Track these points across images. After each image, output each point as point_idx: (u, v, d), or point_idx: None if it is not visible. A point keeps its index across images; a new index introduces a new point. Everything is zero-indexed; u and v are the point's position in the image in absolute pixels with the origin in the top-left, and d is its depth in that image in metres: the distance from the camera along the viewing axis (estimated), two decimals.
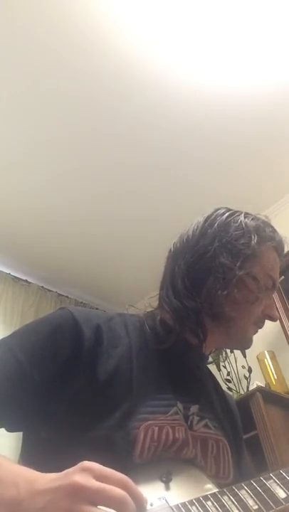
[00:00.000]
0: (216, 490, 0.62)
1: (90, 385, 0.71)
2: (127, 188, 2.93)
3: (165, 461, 0.67)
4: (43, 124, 2.54)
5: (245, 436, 0.97)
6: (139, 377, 0.75)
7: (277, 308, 1.17)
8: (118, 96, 2.44)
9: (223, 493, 0.58)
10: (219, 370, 2.43)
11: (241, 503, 0.56)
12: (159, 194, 2.98)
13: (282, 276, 2.52)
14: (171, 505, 0.56)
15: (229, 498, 0.57)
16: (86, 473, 0.49)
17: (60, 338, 0.74)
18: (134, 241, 3.28)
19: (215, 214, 0.91)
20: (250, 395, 2.12)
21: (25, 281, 3.45)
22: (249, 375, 2.49)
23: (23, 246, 3.24)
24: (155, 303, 0.93)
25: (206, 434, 0.77)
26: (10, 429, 0.72)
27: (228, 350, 1.17)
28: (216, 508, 0.55)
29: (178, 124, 2.60)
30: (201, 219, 0.91)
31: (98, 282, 3.63)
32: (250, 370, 2.50)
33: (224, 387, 2.38)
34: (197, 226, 0.90)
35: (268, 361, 2.46)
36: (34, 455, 0.73)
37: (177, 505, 0.56)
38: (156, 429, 0.69)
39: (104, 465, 0.51)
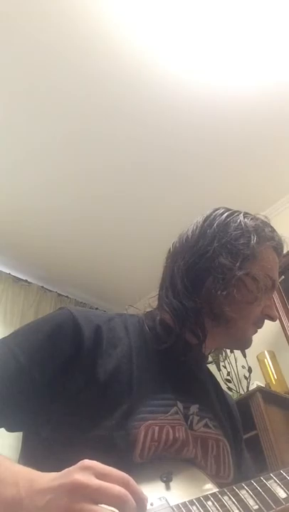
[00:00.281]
0: (216, 490, 0.62)
1: (90, 385, 0.71)
2: (127, 189, 2.93)
3: (165, 461, 0.68)
4: (43, 124, 2.53)
5: (245, 436, 0.97)
6: (139, 377, 0.75)
7: (276, 308, 1.17)
8: (119, 96, 2.44)
9: (223, 493, 0.58)
10: (219, 370, 2.43)
11: (242, 503, 0.56)
12: (159, 194, 2.98)
13: (282, 276, 2.53)
14: (171, 505, 0.56)
15: (229, 497, 0.57)
16: (86, 472, 0.49)
17: (60, 338, 0.74)
18: (134, 241, 3.28)
19: (214, 214, 0.91)
20: (250, 395, 2.12)
21: (25, 281, 3.45)
22: (249, 375, 2.49)
23: (23, 246, 3.24)
24: (155, 303, 0.93)
25: (206, 434, 0.77)
26: (10, 429, 0.72)
27: (228, 350, 1.17)
28: (217, 508, 0.55)
29: (178, 124, 2.60)
30: (200, 219, 0.91)
31: (98, 282, 3.63)
32: (250, 370, 2.50)
33: (224, 387, 2.38)
34: (196, 226, 0.90)
35: (268, 361, 2.46)
36: (34, 455, 0.73)
37: (177, 505, 0.56)
38: (157, 428, 0.69)
39: (104, 464, 0.51)
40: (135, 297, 2.83)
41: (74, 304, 3.64)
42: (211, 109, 2.52)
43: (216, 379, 0.97)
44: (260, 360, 2.48)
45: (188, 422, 0.76)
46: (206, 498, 0.57)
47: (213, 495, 0.58)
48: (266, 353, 2.48)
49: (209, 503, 0.56)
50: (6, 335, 0.78)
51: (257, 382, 2.31)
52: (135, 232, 3.23)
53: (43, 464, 0.56)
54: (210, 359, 0.95)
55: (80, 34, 2.17)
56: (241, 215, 0.90)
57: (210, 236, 0.87)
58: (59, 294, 3.63)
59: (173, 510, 0.56)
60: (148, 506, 0.53)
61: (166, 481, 0.63)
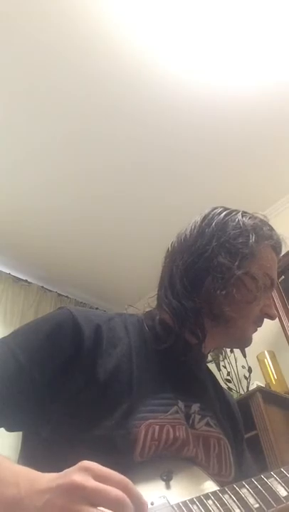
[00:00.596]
0: (216, 488, 0.62)
1: (90, 385, 0.71)
2: (127, 189, 2.93)
3: (166, 460, 0.68)
4: (43, 124, 2.53)
5: (245, 436, 0.97)
6: (139, 376, 0.75)
7: (276, 307, 1.17)
8: (119, 96, 2.44)
9: (224, 492, 0.58)
10: (219, 370, 2.43)
11: (242, 501, 0.56)
12: (159, 194, 2.98)
13: (282, 276, 2.53)
14: (171, 503, 0.56)
15: (230, 496, 0.56)
16: (85, 473, 0.49)
17: (60, 337, 0.74)
18: (134, 241, 3.28)
19: (212, 213, 0.91)
20: (250, 395, 2.12)
21: (25, 281, 3.45)
22: (249, 375, 2.49)
23: (23, 246, 3.24)
24: (154, 303, 0.93)
25: (207, 433, 0.77)
26: (10, 429, 0.72)
27: (227, 350, 1.17)
28: (217, 507, 0.55)
29: (178, 124, 2.60)
30: (199, 218, 0.91)
31: (98, 282, 3.63)
32: (250, 370, 2.50)
33: (224, 387, 2.38)
34: (195, 226, 0.90)
35: (268, 361, 2.46)
36: (34, 455, 0.73)
37: (178, 503, 0.56)
38: (157, 427, 0.69)
39: (104, 464, 0.51)
40: (135, 297, 2.84)
41: (74, 303, 3.63)
42: (211, 109, 2.52)
43: (215, 378, 0.97)
44: (260, 360, 2.48)
45: (190, 421, 0.76)
46: (207, 496, 0.57)
47: (214, 493, 0.58)
48: (266, 353, 2.48)
49: (210, 501, 0.56)
50: (6, 335, 0.78)
51: (257, 382, 2.31)
52: (135, 232, 3.23)
53: (43, 464, 0.56)
54: (209, 358, 0.95)
55: (80, 34, 2.17)
56: (240, 214, 0.90)
57: (208, 235, 0.87)
58: (59, 294, 3.63)
59: (173, 509, 0.56)
60: (148, 505, 0.53)
61: (167, 480, 0.63)
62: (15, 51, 2.21)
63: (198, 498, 0.56)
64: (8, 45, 2.18)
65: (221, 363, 2.38)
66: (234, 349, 1.88)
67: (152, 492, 0.57)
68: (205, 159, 2.79)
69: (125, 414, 0.69)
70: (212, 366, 0.99)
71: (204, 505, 0.55)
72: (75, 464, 0.51)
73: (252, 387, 2.26)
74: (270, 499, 0.56)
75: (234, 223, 0.88)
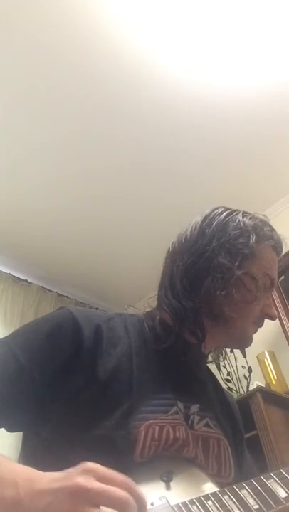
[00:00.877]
0: (216, 489, 0.62)
1: (90, 385, 0.71)
2: (127, 189, 2.93)
3: (166, 461, 0.67)
4: (43, 124, 2.53)
5: (245, 436, 0.97)
6: (139, 376, 0.75)
7: (276, 307, 1.17)
8: (119, 96, 2.44)
9: (223, 493, 0.58)
10: (219, 370, 2.43)
11: (242, 502, 0.56)
12: (159, 194, 2.98)
13: (283, 276, 2.53)
14: (171, 504, 0.56)
15: (230, 497, 0.57)
16: (88, 475, 0.49)
17: (60, 337, 0.73)
18: (134, 241, 3.28)
19: (213, 213, 0.91)
20: (250, 395, 2.12)
21: (25, 281, 3.45)
22: (249, 375, 2.49)
23: (23, 246, 3.24)
24: (154, 303, 0.93)
25: (207, 433, 0.77)
26: (10, 430, 0.72)
27: (228, 350, 1.17)
28: (217, 508, 0.55)
29: (178, 124, 2.60)
30: (199, 219, 0.91)
31: (98, 282, 3.63)
32: (250, 370, 2.50)
33: (224, 387, 2.38)
34: (195, 226, 0.90)
35: (268, 361, 2.46)
36: (34, 455, 0.73)
37: (178, 504, 0.56)
38: (157, 428, 0.69)
39: (104, 465, 0.51)
40: (135, 297, 2.84)
41: (74, 303, 3.63)
42: (211, 109, 2.52)
43: (216, 378, 0.97)
44: (260, 360, 2.48)
45: (189, 422, 0.76)
46: (207, 497, 0.57)
47: (214, 494, 0.58)
48: (266, 353, 2.48)
49: (209, 502, 0.56)
50: (6, 335, 0.78)
51: (257, 382, 2.31)
52: (135, 232, 3.22)
53: (43, 463, 0.56)
54: (209, 358, 0.95)
55: (80, 34, 2.17)
56: (240, 214, 0.90)
57: (209, 235, 0.87)
58: (59, 294, 3.63)
59: (173, 509, 0.56)
60: (148, 506, 0.53)
61: (167, 481, 0.63)
62: (15, 51, 2.21)
63: (198, 499, 0.57)
64: (8, 45, 2.18)
65: (221, 363, 2.38)
66: (234, 349, 1.88)
67: (152, 493, 0.57)
68: (205, 159, 2.79)
69: (125, 414, 0.69)
70: (212, 366, 0.99)
71: (204, 506, 0.55)
72: (75, 464, 0.51)
73: (252, 387, 2.26)
74: (269, 500, 0.56)
75: (235, 223, 0.88)
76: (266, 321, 0.91)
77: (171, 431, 0.70)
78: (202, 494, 0.58)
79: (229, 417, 0.90)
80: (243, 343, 0.90)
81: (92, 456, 0.52)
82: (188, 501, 0.56)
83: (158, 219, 3.06)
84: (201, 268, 0.85)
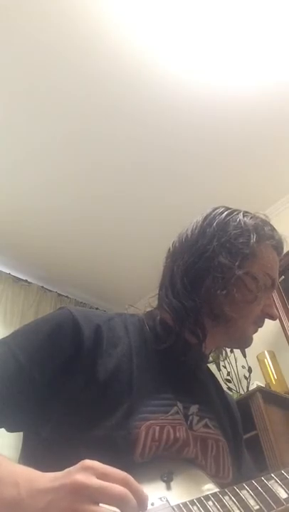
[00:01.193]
0: (217, 490, 0.62)
1: (90, 385, 0.71)
2: (127, 189, 2.93)
3: (166, 461, 0.67)
4: (43, 124, 2.53)
5: (245, 436, 0.97)
6: (140, 376, 0.75)
7: (276, 307, 1.17)
8: (119, 96, 2.44)
9: (224, 493, 0.58)
10: (219, 370, 2.43)
11: (242, 503, 0.56)
12: (159, 194, 2.98)
13: (283, 276, 2.53)
14: (172, 505, 0.56)
15: (230, 498, 0.57)
16: (87, 472, 0.49)
17: (60, 337, 0.73)
18: (134, 241, 3.28)
19: (214, 213, 0.90)
20: (250, 395, 2.12)
21: (25, 281, 3.45)
22: (249, 375, 2.49)
23: (23, 246, 3.24)
24: (155, 302, 0.93)
25: (205, 434, 0.77)
26: (10, 430, 0.72)
27: (228, 350, 1.17)
28: (217, 508, 0.55)
29: (178, 124, 2.60)
30: (200, 218, 0.91)
31: (98, 282, 3.63)
32: (250, 370, 2.50)
33: (224, 387, 2.37)
34: (196, 225, 0.90)
35: (268, 361, 2.46)
36: (34, 455, 0.73)
37: (178, 505, 0.56)
38: (157, 428, 0.69)
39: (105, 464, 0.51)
40: (135, 297, 2.85)
41: (74, 304, 3.63)
42: (211, 109, 2.52)
43: (216, 379, 0.97)
44: (260, 360, 2.48)
45: (188, 422, 0.76)
46: (207, 498, 0.57)
47: (214, 495, 0.58)
48: (266, 353, 2.48)
49: (210, 503, 0.56)
50: (6, 335, 0.78)
51: (257, 382, 2.31)
52: (135, 232, 3.22)
53: (43, 463, 0.56)
54: (210, 359, 0.95)
55: (80, 34, 2.17)
56: (241, 214, 0.90)
57: (209, 235, 0.86)
58: (59, 294, 3.63)
59: (174, 510, 0.56)
60: (149, 506, 0.53)
61: (167, 481, 0.63)
62: (15, 51, 2.21)
63: (199, 500, 0.56)
64: (8, 45, 2.18)
65: (221, 363, 2.38)
66: (234, 349, 1.88)
67: (153, 493, 0.57)
68: (205, 159, 2.79)
69: (126, 414, 0.69)
70: (212, 366, 0.99)
71: (204, 507, 0.55)
72: (75, 464, 0.51)
73: (252, 387, 2.26)
74: (270, 501, 0.56)
75: (235, 223, 0.87)
76: (266, 321, 0.91)
77: (171, 431, 0.70)
78: (203, 494, 0.58)
79: (229, 417, 0.90)
80: (243, 343, 0.90)
81: (92, 456, 0.52)
82: (189, 502, 0.56)
83: (158, 219, 3.06)
84: (201, 268, 0.85)
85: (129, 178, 2.88)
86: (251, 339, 0.90)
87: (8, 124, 2.52)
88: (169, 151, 2.73)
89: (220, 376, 2.42)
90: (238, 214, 0.90)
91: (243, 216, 0.90)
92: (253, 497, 0.56)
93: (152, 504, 0.56)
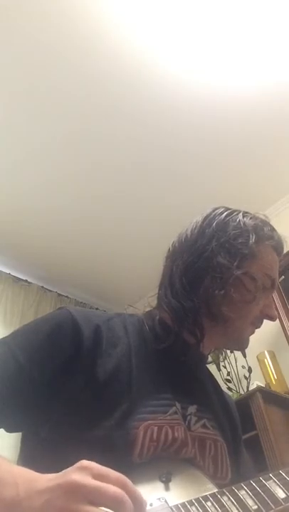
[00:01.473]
0: (215, 490, 0.62)
1: (90, 385, 0.71)
2: (127, 189, 2.93)
3: (164, 461, 0.67)
4: (43, 124, 2.53)
5: (245, 436, 0.97)
6: (139, 377, 0.75)
7: (276, 307, 1.16)
8: (119, 96, 2.44)
9: (222, 494, 0.58)
10: (219, 370, 2.43)
11: (241, 503, 0.56)
12: (159, 194, 2.98)
13: (283, 276, 2.53)
14: (170, 505, 0.56)
15: (229, 498, 0.57)
16: (84, 472, 0.49)
17: (60, 337, 0.74)
18: (134, 241, 3.28)
19: (213, 213, 0.90)
20: (250, 395, 2.12)
21: (25, 281, 3.45)
22: (249, 375, 2.49)
23: (23, 246, 3.24)
24: (154, 302, 0.93)
25: (203, 434, 0.77)
26: (9, 430, 0.72)
27: (228, 350, 1.17)
28: (216, 509, 0.55)
29: (178, 124, 2.60)
30: (200, 218, 0.91)
31: (98, 282, 3.63)
32: (250, 370, 2.50)
33: (224, 387, 2.38)
34: (195, 226, 0.90)
35: (268, 361, 2.46)
36: (33, 455, 0.73)
37: (177, 505, 0.56)
38: (156, 428, 0.69)
39: (103, 465, 0.51)
40: (135, 297, 2.85)
41: (74, 304, 3.63)
42: (211, 109, 2.52)
43: (215, 379, 0.97)
44: (260, 360, 2.48)
45: (186, 423, 0.76)
46: (205, 498, 0.57)
47: (213, 495, 0.58)
48: (266, 353, 2.48)
49: (208, 503, 0.56)
50: (6, 335, 0.78)
51: (257, 382, 2.31)
52: (135, 232, 3.22)
53: (42, 464, 0.56)
54: (209, 359, 0.94)
55: (80, 34, 2.17)
56: (240, 214, 0.90)
57: (209, 235, 0.87)
58: (59, 294, 3.63)
59: (172, 510, 0.56)
60: (147, 507, 0.53)
61: (166, 482, 0.63)
62: (15, 51, 2.21)
63: (197, 500, 0.57)
64: (8, 45, 2.18)
65: (221, 363, 2.38)
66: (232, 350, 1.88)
67: (151, 493, 0.57)
68: (205, 159, 2.79)
69: (125, 414, 0.69)
70: (212, 366, 0.99)
71: (203, 507, 0.55)
72: (73, 464, 0.51)
73: (252, 387, 2.26)
74: (268, 501, 0.56)
75: (235, 223, 0.87)
76: (266, 321, 0.91)
77: (169, 431, 0.70)
78: (201, 495, 0.58)
79: (228, 418, 0.90)
80: (241, 344, 0.90)
81: (91, 457, 0.52)
82: (187, 502, 0.56)
83: (158, 219, 3.06)
84: (200, 268, 0.85)
85: (129, 178, 2.88)
86: (248, 341, 0.90)
87: (8, 124, 2.52)
88: (169, 151, 2.73)
89: (220, 376, 2.42)
90: (237, 214, 0.90)
91: (243, 216, 0.89)
92: (251, 497, 0.56)
93: (151, 505, 0.56)
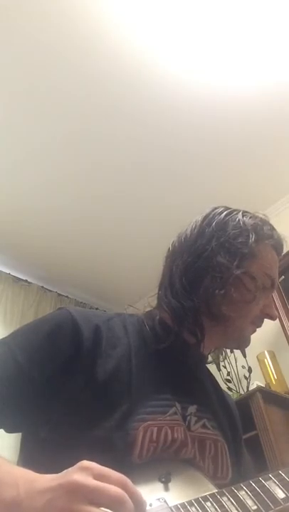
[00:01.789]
0: (215, 490, 0.62)
1: (89, 385, 0.71)
2: (127, 189, 2.93)
3: (164, 462, 0.67)
4: (43, 124, 2.53)
5: (245, 436, 0.97)
6: (138, 377, 0.75)
7: (276, 307, 1.16)
8: (119, 96, 2.44)
9: (222, 494, 0.58)
10: (219, 370, 2.42)
11: (240, 503, 0.56)
12: (159, 194, 2.98)
13: (283, 276, 2.53)
14: (170, 505, 0.56)
15: (228, 498, 0.57)
16: (85, 472, 0.49)
17: (59, 338, 0.74)
18: (134, 241, 3.28)
19: (213, 213, 0.90)
20: (250, 395, 2.12)
21: (25, 281, 3.45)
22: (249, 375, 2.49)
23: (23, 246, 3.24)
24: (154, 302, 0.93)
25: (203, 435, 0.77)
26: (9, 430, 0.72)
27: (228, 350, 1.17)
28: (215, 509, 0.55)
29: (178, 124, 2.60)
30: (199, 218, 0.91)
31: (98, 282, 3.63)
32: (250, 370, 2.50)
33: (224, 387, 2.38)
34: (195, 225, 0.90)
35: (268, 361, 2.46)
36: (33, 456, 0.73)
37: (176, 505, 0.56)
38: (155, 429, 0.69)
39: (103, 465, 0.51)
40: (135, 297, 2.85)
41: (74, 304, 3.63)
42: (211, 109, 2.52)
43: (215, 379, 0.97)
44: (260, 360, 2.48)
45: (186, 423, 0.76)
46: (205, 498, 0.57)
47: (212, 496, 0.58)
48: (266, 353, 2.48)
49: (208, 503, 0.56)
50: (6, 335, 0.78)
51: (257, 382, 2.31)
52: (135, 232, 3.22)
53: (42, 464, 0.56)
54: (209, 359, 0.94)
55: (80, 34, 2.17)
56: (240, 213, 0.90)
57: (208, 235, 0.86)
58: (59, 294, 3.63)
59: (172, 510, 0.56)
60: (147, 507, 0.53)
61: (165, 482, 0.63)
62: (15, 51, 2.21)
63: (197, 500, 0.57)
64: (8, 45, 2.18)
65: (221, 363, 2.38)
66: (233, 350, 1.88)
67: (151, 494, 0.57)
68: (205, 159, 2.79)
69: (124, 415, 0.69)
70: (212, 366, 0.99)
71: (202, 507, 0.55)
72: (74, 465, 0.51)
73: (252, 387, 2.26)
74: (268, 501, 0.56)
75: (234, 223, 0.87)
76: (266, 321, 0.91)
77: (169, 432, 0.70)
78: (201, 495, 0.58)
79: (228, 418, 0.90)
80: (242, 343, 0.90)
81: (91, 457, 0.52)
82: (187, 502, 0.56)
83: (158, 219, 3.06)
84: (200, 267, 0.84)
85: (129, 178, 2.88)
86: (249, 340, 0.90)
87: (8, 124, 2.52)
88: (169, 151, 2.73)
89: (220, 376, 2.41)
90: (237, 214, 0.90)
91: (242, 216, 0.89)
92: (251, 497, 0.56)
93: (150, 505, 0.56)
